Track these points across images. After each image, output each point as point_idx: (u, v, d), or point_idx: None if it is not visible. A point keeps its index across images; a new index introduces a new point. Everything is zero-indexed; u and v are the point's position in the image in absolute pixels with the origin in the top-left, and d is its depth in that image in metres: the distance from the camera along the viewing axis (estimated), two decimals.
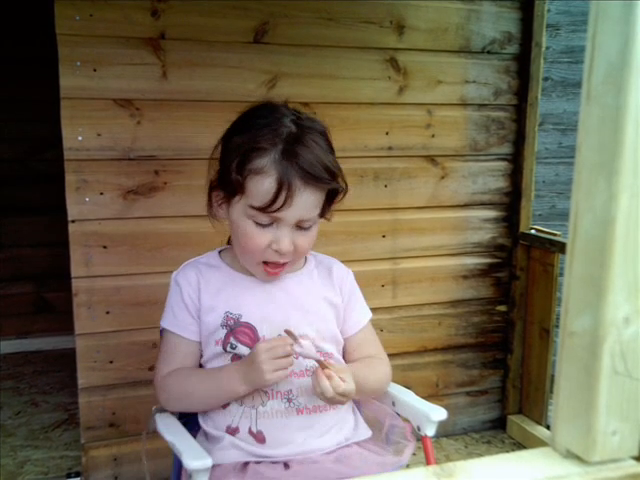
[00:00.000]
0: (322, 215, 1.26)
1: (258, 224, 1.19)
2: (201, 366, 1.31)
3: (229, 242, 1.36)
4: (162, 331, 1.33)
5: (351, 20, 2.12)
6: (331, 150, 1.24)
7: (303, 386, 1.24)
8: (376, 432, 1.35)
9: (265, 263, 1.24)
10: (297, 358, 1.21)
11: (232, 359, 1.25)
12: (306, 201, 1.18)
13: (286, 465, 1.21)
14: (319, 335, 1.29)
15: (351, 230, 2.24)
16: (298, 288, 1.31)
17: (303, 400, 1.24)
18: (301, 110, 1.27)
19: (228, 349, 1.25)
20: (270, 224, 1.19)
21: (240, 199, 1.20)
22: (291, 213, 1.17)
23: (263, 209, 1.16)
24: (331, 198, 1.26)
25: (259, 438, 1.22)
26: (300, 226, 1.21)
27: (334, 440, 1.26)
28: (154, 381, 1.31)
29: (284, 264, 1.24)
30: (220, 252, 1.36)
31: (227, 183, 1.21)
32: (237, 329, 1.25)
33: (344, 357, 1.36)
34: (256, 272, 1.27)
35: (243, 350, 1.24)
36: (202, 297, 1.27)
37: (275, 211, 1.16)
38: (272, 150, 1.16)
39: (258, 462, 1.20)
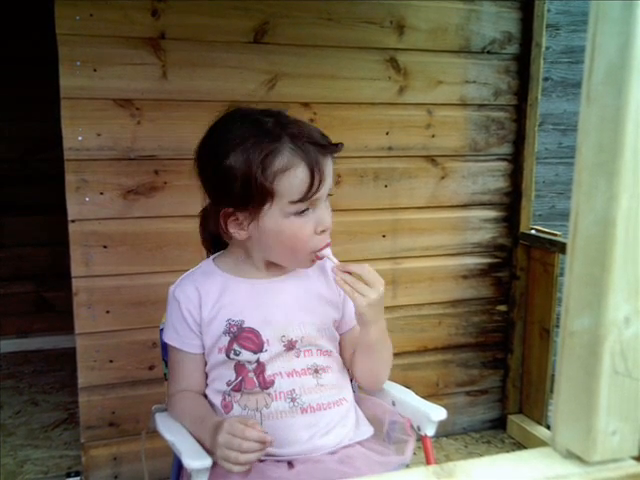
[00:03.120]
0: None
1: (298, 214, 1.19)
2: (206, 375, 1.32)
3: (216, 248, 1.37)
4: (164, 345, 1.35)
5: (351, 20, 2.12)
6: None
7: (306, 385, 1.24)
8: (377, 430, 1.35)
9: (313, 252, 1.25)
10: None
11: (235, 366, 1.25)
12: (330, 170, 1.22)
13: (290, 464, 1.21)
14: (319, 334, 1.29)
15: (351, 230, 2.24)
16: (297, 288, 1.31)
17: (307, 399, 1.24)
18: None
19: (232, 356, 1.24)
20: (306, 209, 1.20)
21: (271, 205, 1.18)
22: (325, 188, 1.21)
23: (304, 199, 1.17)
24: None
25: None
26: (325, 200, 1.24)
27: (338, 437, 1.26)
28: (166, 393, 1.35)
29: (328, 244, 1.26)
30: (214, 259, 1.35)
31: (250, 198, 1.18)
32: (240, 335, 1.24)
33: (341, 353, 1.36)
34: (300, 264, 1.29)
35: (247, 356, 1.23)
36: (203, 310, 1.27)
37: (315, 193, 1.18)
38: (283, 143, 1.17)
39: (262, 460, 1.20)
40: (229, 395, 1.25)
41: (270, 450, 1.20)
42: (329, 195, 1.25)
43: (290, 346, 1.26)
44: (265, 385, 1.23)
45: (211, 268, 1.32)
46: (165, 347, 1.38)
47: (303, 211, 1.19)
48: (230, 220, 1.23)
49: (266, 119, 1.21)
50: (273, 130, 1.18)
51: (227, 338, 1.25)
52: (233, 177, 1.18)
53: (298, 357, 1.26)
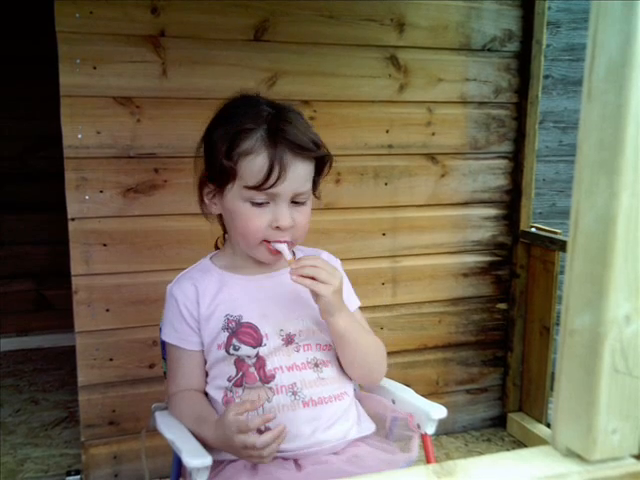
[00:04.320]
0: (314, 189, 1.29)
1: (255, 204, 1.21)
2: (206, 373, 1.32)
3: (216, 246, 1.39)
4: (163, 343, 1.35)
5: (351, 18, 2.12)
6: (310, 126, 1.28)
7: (306, 378, 1.25)
8: (379, 427, 1.35)
9: (267, 242, 1.24)
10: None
11: (235, 362, 1.25)
12: (299, 173, 1.21)
13: (297, 464, 1.21)
14: (318, 327, 1.30)
15: (351, 228, 2.24)
16: (294, 283, 1.31)
17: (308, 392, 1.24)
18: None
19: (231, 351, 1.25)
20: (267, 203, 1.21)
21: (233, 185, 1.21)
22: (286, 187, 1.19)
23: (258, 187, 1.18)
24: (319, 171, 1.28)
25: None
26: (295, 201, 1.23)
27: (341, 432, 1.26)
28: (165, 392, 1.34)
29: (285, 241, 1.25)
30: (211, 257, 1.37)
31: (217, 173, 1.23)
32: (239, 330, 1.25)
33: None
34: (259, 254, 1.27)
35: (247, 351, 1.24)
36: (200, 306, 1.28)
37: (270, 187, 1.18)
38: (258, 130, 1.19)
39: None
40: (230, 391, 1.25)
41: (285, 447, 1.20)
42: (303, 198, 1.24)
43: (289, 340, 1.26)
44: (266, 379, 1.23)
45: (208, 265, 1.34)
46: (165, 345, 1.39)
47: (262, 203, 1.21)
48: (205, 190, 1.29)
49: (265, 108, 1.23)
50: (259, 118, 1.21)
51: (226, 334, 1.25)
52: (209, 149, 1.26)
53: (298, 351, 1.26)
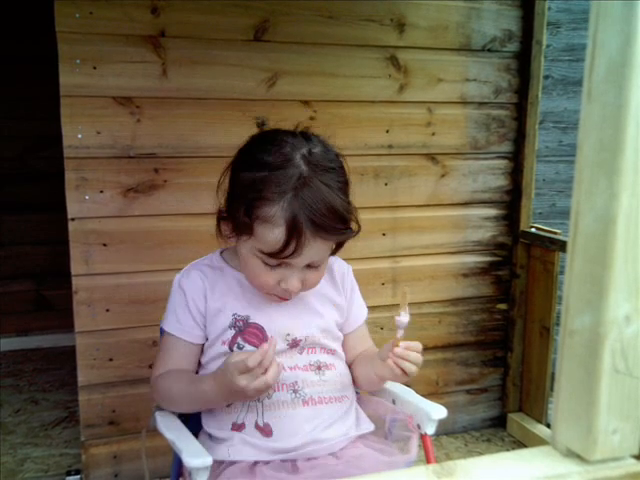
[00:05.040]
0: (332, 254, 1.28)
1: (267, 264, 1.19)
2: (200, 365, 1.31)
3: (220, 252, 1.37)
4: (162, 332, 1.34)
5: (351, 18, 2.12)
6: (345, 186, 1.21)
7: (308, 379, 1.25)
8: (378, 428, 1.35)
9: (275, 295, 1.25)
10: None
11: None
12: (316, 249, 1.17)
13: (295, 467, 1.21)
14: (323, 334, 1.30)
15: None
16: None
17: (309, 391, 1.24)
18: (312, 135, 1.23)
19: (235, 349, 1.24)
20: (278, 265, 1.19)
21: (249, 239, 1.18)
22: (300, 260, 1.17)
23: (272, 255, 1.16)
24: (341, 242, 1.26)
25: (266, 431, 1.21)
26: (310, 266, 1.21)
27: (339, 432, 1.26)
28: (150, 379, 1.32)
29: (287, 298, 1.26)
30: (222, 253, 1.35)
31: (236, 221, 1.20)
32: (246, 330, 1.25)
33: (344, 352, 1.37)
34: (269, 298, 1.27)
35: (250, 350, 1.23)
36: (208, 301, 1.27)
37: (284, 258, 1.16)
38: (280, 200, 1.12)
39: (267, 462, 1.20)
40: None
41: (273, 445, 1.20)
42: (317, 263, 1.21)
43: (294, 344, 1.27)
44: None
45: (219, 261, 1.33)
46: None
47: (274, 266, 1.19)
48: (223, 225, 1.26)
49: (298, 163, 1.15)
50: (289, 178, 1.13)
51: (232, 332, 1.25)
52: (233, 193, 1.22)
53: (301, 354, 1.26)
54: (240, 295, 1.28)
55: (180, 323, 1.28)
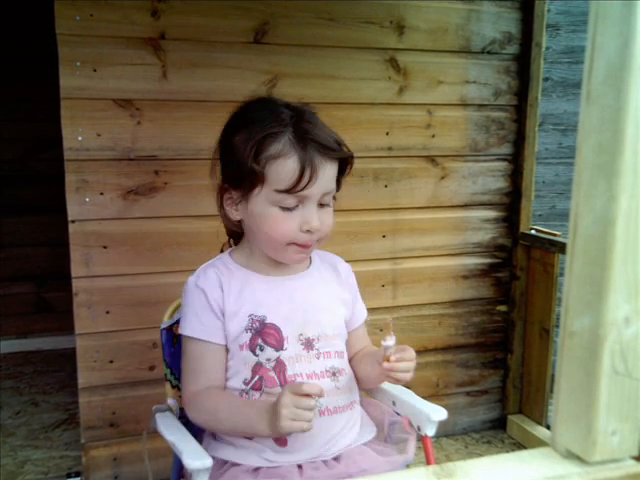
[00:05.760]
0: (337, 189, 1.29)
1: (284, 208, 1.20)
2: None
3: (222, 251, 1.37)
4: (184, 339, 1.29)
5: (351, 20, 2.12)
6: (328, 126, 1.28)
7: (325, 388, 1.22)
8: (378, 431, 1.35)
9: (295, 244, 1.23)
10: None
11: (254, 367, 1.23)
12: (327, 174, 1.21)
13: (299, 468, 1.21)
14: (333, 332, 1.30)
15: (351, 230, 2.24)
16: (312, 286, 1.31)
17: (324, 401, 1.23)
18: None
19: (257, 352, 1.22)
20: (295, 206, 1.20)
21: (261, 189, 1.19)
22: (316, 189, 1.19)
23: (290, 190, 1.17)
24: (341, 170, 1.28)
25: (281, 441, 1.20)
26: (322, 203, 1.23)
27: (347, 439, 1.27)
28: (182, 395, 1.29)
29: (310, 245, 1.25)
30: (230, 253, 1.34)
31: (243, 179, 1.20)
32: (262, 330, 1.24)
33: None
34: (285, 256, 1.26)
35: (269, 353, 1.23)
36: (226, 301, 1.25)
37: (302, 189, 1.17)
38: (285, 133, 1.18)
39: (275, 467, 1.20)
40: (247, 393, 1.23)
41: (290, 458, 1.20)
42: (328, 199, 1.24)
43: (308, 344, 1.25)
44: (285, 385, 1.21)
45: (229, 262, 1.31)
46: (166, 347, 1.38)
47: (291, 208, 1.20)
48: (226, 197, 1.26)
49: (285, 110, 1.22)
50: (283, 119, 1.19)
51: (249, 334, 1.23)
52: (232, 155, 1.22)
53: (318, 359, 1.25)
54: (255, 295, 1.26)
55: (204, 325, 1.24)
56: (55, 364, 3.20)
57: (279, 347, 1.23)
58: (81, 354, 1.98)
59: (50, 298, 3.42)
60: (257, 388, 1.22)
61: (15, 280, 3.38)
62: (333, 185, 1.24)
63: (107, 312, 1.98)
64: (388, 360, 1.19)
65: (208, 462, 1.11)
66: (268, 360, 1.23)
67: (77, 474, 2.13)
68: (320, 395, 1.11)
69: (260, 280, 1.28)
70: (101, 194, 1.94)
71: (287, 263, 1.29)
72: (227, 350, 1.26)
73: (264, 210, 1.21)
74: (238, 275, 1.28)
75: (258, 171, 1.17)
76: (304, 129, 1.18)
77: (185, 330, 1.26)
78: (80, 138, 1.89)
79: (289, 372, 1.22)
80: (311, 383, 1.12)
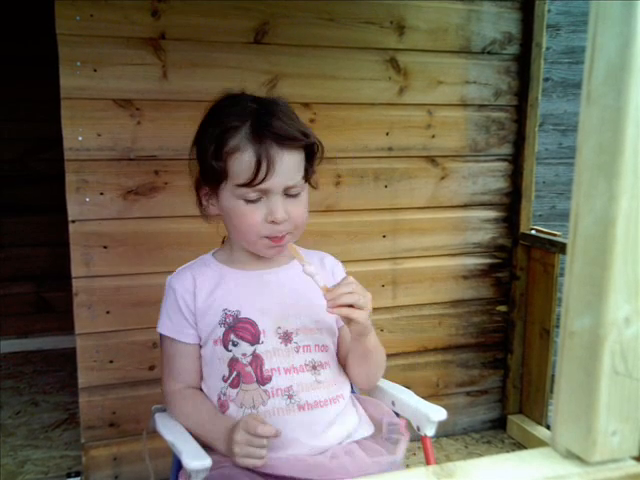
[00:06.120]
0: (307, 179, 1.27)
1: (248, 201, 1.20)
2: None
3: (223, 242, 1.38)
4: (160, 337, 1.34)
5: (351, 20, 2.12)
6: (294, 115, 1.27)
7: (303, 382, 1.24)
8: (376, 431, 1.34)
9: (267, 238, 1.24)
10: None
11: (230, 362, 1.24)
12: (287, 165, 1.19)
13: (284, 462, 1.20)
14: (316, 325, 1.29)
15: (351, 230, 2.24)
16: (293, 280, 1.30)
17: (304, 396, 1.23)
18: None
19: (230, 347, 1.24)
20: (259, 199, 1.20)
21: (226, 184, 1.21)
22: (276, 181, 1.19)
23: (248, 184, 1.18)
24: (310, 159, 1.27)
25: None
26: (289, 194, 1.22)
27: (337, 436, 1.26)
28: (163, 390, 1.33)
29: (284, 236, 1.24)
30: (213, 252, 1.37)
31: (209, 174, 1.23)
32: (236, 325, 1.24)
33: (338, 348, 1.36)
34: (260, 250, 1.27)
35: (244, 348, 1.23)
36: (197, 299, 1.27)
37: (260, 182, 1.17)
38: (242, 127, 1.19)
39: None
40: (224, 394, 1.25)
41: (270, 455, 1.19)
42: (296, 190, 1.23)
43: (286, 338, 1.25)
44: (263, 380, 1.22)
45: (209, 260, 1.34)
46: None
47: (255, 200, 1.20)
48: (202, 193, 1.29)
49: (249, 104, 1.23)
50: (244, 114, 1.20)
51: (222, 329, 1.24)
52: (200, 151, 1.25)
53: (297, 352, 1.25)
54: (230, 289, 1.28)
55: (172, 323, 1.29)
56: (55, 364, 3.20)
57: (254, 341, 1.23)
58: (81, 354, 1.98)
59: (50, 298, 3.42)
60: (235, 385, 1.24)
61: (15, 280, 3.38)
62: (298, 177, 1.23)
63: (107, 312, 1.98)
64: (327, 290, 1.18)
65: (207, 462, 1.11)
66: (244, 355, 1.23)
67: (77, 474, 2.13)
68: (275, 436, 1.13)
69: (236, 275, 1.30)
70: (101, 194, 1.94)
71: (265, 255, 1.29)
72: (199, 350, 1.29)
73: (231, 204, 1.23)
74: (214, 271, 1.30)
75: (219, 166, 1.20)
76: (263, 121, 1.19)
77: (158, 328, 1.32)
78: (80, 138, 1.89)
79: (266, 366, 1.23)
80: (266, 425, 1.12)
